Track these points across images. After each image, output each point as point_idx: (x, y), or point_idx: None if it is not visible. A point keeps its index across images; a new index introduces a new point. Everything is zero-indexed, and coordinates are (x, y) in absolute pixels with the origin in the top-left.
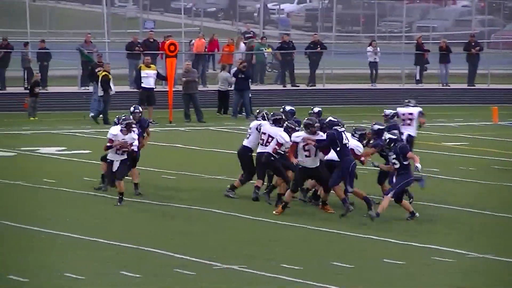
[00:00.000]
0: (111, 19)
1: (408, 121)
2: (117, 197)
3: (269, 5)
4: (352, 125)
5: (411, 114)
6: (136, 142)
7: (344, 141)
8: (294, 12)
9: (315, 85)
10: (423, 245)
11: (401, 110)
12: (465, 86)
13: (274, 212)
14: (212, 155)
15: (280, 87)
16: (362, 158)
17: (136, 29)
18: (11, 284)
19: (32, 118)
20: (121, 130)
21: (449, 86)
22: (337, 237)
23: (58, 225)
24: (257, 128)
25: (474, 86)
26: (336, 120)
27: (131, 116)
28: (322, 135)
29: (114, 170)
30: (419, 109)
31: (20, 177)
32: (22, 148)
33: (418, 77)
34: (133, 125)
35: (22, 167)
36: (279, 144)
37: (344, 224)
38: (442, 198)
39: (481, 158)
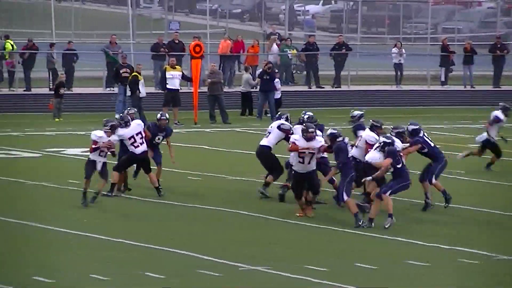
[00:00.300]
0: (136, 20)
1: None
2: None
3: (295, 7)
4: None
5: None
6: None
7: (350, 154)
8: (319, 13)
9: (340, 87)
10: (449, 247)
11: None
12: (490, 87)
13: (297, 214)
14: (237, 156)
15: (306, 88)
16: (401, 154)
17: (161, 30)
18: (37, 285)
19: (57, 119)
20: (105, 132)
21: (473, 88)
22: (360, 239)
23: (83, 226)
24: (278, 127)
25: (500, 88)
26: (336, 131)
27: (158, 122)
28: (321, 141)
29: (98, 170)
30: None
31: (44, 178)
32: (47, 149)
33: (443, 79)
34: (118, 127)
35: (47, 168)
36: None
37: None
38: (466, 200)
39: (508, 160)
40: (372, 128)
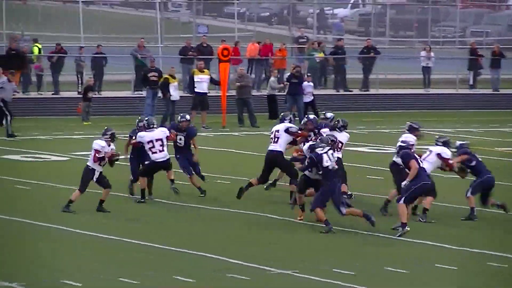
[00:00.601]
0: (165, 24)
1: None
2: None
3: (320, 9)
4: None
5: None
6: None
7: (325, 163)
8: (348, 17)
9: (368, 90)
10: (478, 250)
11: None
12: None
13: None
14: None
15: (334, 91)
16: (451, 161)
17: (189, 33)
18: None
19: (85, 123)
20: (106, 141)
21: (498, 91)
22: (388, 242)
23: (111, 230)
24: (286, 131)
25: None
26: (315, 143)
27: (179, 123)
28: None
29: (95, 180)
30: None
31: (73, 182)
32: (75, 153)
33: (471, 82)
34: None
35: (75, 171)
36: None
37: (391, 230)
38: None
39: None
40: (410, 130)
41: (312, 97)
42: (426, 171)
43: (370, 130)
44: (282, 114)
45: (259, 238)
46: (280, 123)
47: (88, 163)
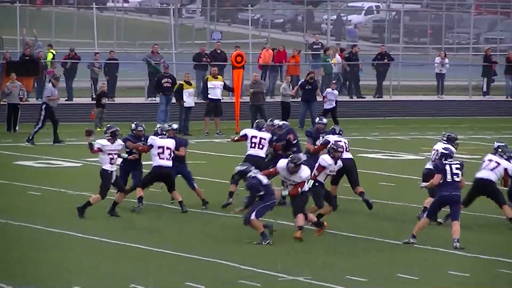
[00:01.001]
0: (179, 30)
1: None
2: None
3: (336, 16)
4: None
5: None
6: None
7: (264, 181)
8: (362, 23)
9: (381, 97)
10: (489, 257)
11: None
12: None
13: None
14: None
15: (347, 98)
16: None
17: (203, 40)
18: None
19: (99, 129)
20: (108, 139)
21: (509, 98)
22: (398, 249)
23: (126, 236)
24: (270, 142)
25: None
26: (245, 168)
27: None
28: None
29: (112, 181)
30: None
31: (86, 188)
32: (88, 159)
33: (485, 89)
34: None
35: (89, 177)
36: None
37: (403, 236)
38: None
39: None
40: (449, 140)
41: (334, 105)
42: (454, 184)
43: (384, 137)
44: (257, 121)
45: (271, 245)
46: (259, 131)
47: (102, 167)
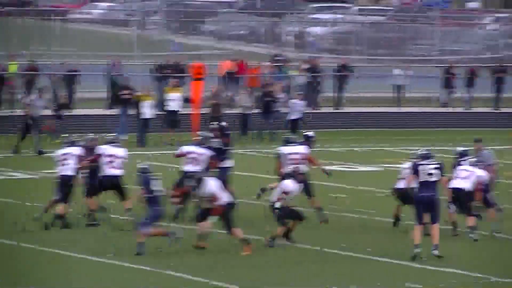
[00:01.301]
0: (140, 41)
1: None
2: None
3: (300, 28)
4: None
5: None
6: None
7: (154, 187)
8: (325, 35)
9: (341, 108)
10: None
11: None
12: (490, 109)
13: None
14: (238, 178)
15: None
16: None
17: (164, 51)
18: None
19: (56, 140)
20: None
21: (470, 109)
22: (357, 260)
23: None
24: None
25: (499, 110)
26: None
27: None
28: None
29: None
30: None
31: (41, 200)
32: (43, 171)
33: (445, 101)
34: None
35: (43, 189)
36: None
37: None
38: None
39: (505, 183)
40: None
41: (300, 115)
42: (429, 185)
43: (344, 148)
44: (201, 137)
45: (279, 261)
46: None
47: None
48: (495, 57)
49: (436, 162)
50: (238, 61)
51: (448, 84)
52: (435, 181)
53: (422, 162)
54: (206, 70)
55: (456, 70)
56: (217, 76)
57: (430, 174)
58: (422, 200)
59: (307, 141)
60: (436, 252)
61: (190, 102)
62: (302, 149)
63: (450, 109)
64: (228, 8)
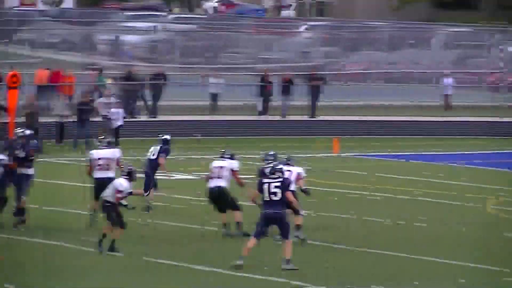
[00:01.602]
0: None
1: None
2: None
3: (114, 37)
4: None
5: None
6: None
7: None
8: (138, 43)
9: (156, 116)
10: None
11: None
12: (306, 118)
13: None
14: (52, 187)
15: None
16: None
17: None
18: None
19: None
20: None
21: (286, 118)
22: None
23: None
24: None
25: (315, 118)
26: None
27: None
28: None
29: None
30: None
31: None
32: None
33: (261, 109)
34: None
35: None
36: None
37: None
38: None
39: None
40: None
41: (121, 123)
42: (273, 202)
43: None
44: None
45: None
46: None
47: None
48: (310, 65)
49: (280, 180)
50: (53, 69)
51: (263, 92)
52: (280, 199)
53: (266, 180)
54: (21, 79)
55: (271, 78)
56: (33, 85)
57: (273, 193)
58: (266, 217)
59: (166, 144)
60: (287, 266)
61: (5, 111)
62: (111, 153)
63: (268, 117)
64: (43, 17)
